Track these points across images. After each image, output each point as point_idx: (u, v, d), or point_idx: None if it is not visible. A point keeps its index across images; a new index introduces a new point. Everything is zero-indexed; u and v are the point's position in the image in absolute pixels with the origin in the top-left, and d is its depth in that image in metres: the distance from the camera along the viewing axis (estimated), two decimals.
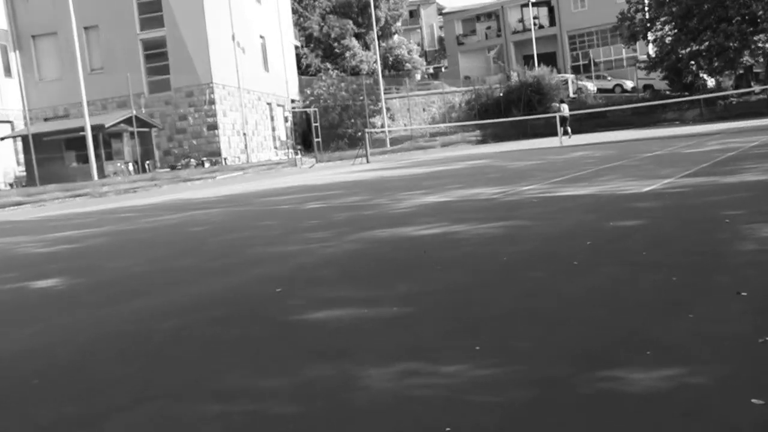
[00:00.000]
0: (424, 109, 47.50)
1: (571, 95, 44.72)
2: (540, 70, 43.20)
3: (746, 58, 37.03)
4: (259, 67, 39.89)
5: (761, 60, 38.08)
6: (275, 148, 41.32)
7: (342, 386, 2.39)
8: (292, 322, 3.34)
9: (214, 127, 33.84)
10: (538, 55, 49.84)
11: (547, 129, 36.74)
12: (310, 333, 3.10)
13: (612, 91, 47.00)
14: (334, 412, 2.18)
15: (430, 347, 2.73)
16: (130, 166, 30.11)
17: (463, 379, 2.35)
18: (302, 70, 47.75)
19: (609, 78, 48.87)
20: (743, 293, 3.04)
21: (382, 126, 42.49)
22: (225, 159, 33.87)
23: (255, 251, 5.90)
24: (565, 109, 31.04)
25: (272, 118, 41.43)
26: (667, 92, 41.17)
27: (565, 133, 29.99)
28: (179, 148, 34.29)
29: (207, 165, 32.15)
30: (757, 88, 35.14)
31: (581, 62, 54.07)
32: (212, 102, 33.57)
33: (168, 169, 31.19)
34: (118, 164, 29.92)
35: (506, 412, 2.07)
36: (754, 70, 39.86)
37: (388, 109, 44.22)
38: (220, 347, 3.01)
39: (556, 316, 3.01)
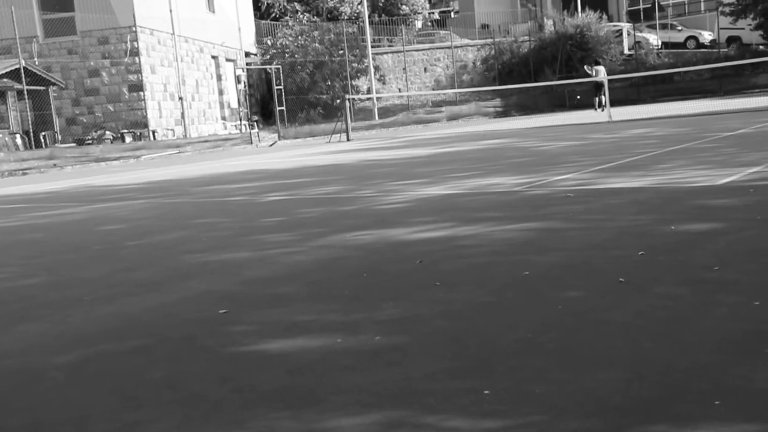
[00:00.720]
0: (425, 69, 47.59)
1: (627, 52, 44.93)
2: (584, 18, 43.40)
3: None
4: (201, 6, 39.83)
5: None
6: (223, 118, 41.29)
7: None
8: (240, 355, 3.36)
9: (138, 87, 33.77)
10: None
11: (592, 98, 36.82)
12: (263, 371, 3.13)
13: (683, 45, 47.17)
14: None
15: (423, 391, 2.77)
16: (18, 139, 29.98)
17: None
18: (261, 12, 47.70)
19: (679, 28, 49.03)
20: None
21: (369, 91, 42.53)
22: (153, 132, 33.83)
23: (192, 259, 5.93)
24: (601, 74, 31.45)
25: (219, 78, 41.41)
26: (761, 47, 41.33)
27: (600, 104, 30.53)
28: (89, 116, 34.21)
29: (128, 140, 32.11)
30: None
31: (641, 6, 54.22)
32: (135, 53, 33.49)
33: (74, 145, 31.12)
34: (0, 135, 29.76)
35: None
36: None
37: (377, 68, 44.30)
38: (140, 390, 3.03)
39: (592, 351, 3.05)
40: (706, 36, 47.13)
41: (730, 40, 44.29)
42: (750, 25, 40.94)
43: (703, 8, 51.60)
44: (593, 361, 2.94)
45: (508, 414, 2.51)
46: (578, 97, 34.84)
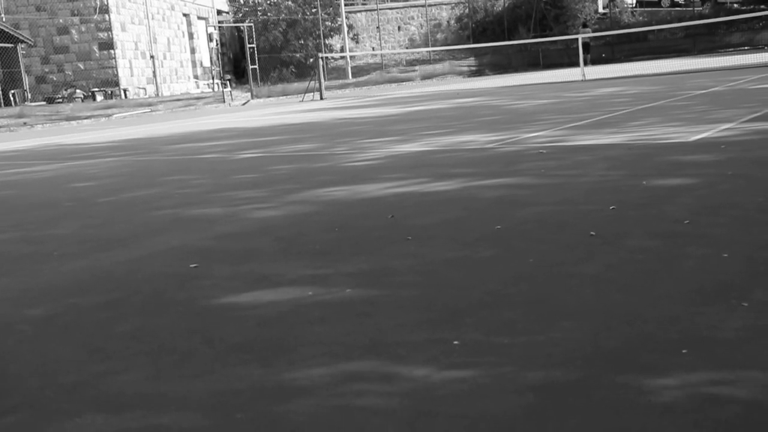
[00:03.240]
0: (399, 28, 47.29)
1: (601, 11, 44.90)
2: None
3: None
4: None
5: None
6: (195, 77, 40.90)
7: (272, 393, 2.41)
8: (210, 308, 3.35)
9: (108, 45, 33.32)
10: None
11: (565, 57, 36.94)
12: (233, 323, 3.12)
13: (658, 4, 47.17)
14: (259, 428, 2.20)
15: (392, 342, 2.77)
16: None
17: (433, 384, 2.39)
18: None
19: None
20: None
21: (342, 50, 42.22)
22: (125, 91, 33.45)
23: (162, 215, 5.88)
24: (587, 34, 33.21)
25: (191, 36, 40.92)
26: (735, 6, 41.42)
27: (586, 61, 32.15)
28: (59, 74, 33.74)
29: (99, 98, 31.75)
30: None
31: None
32: (105, 10, 32.98)
33: (43, 103, 30.75)
34: None
35: (490, 427, 2.11)
36: None
37: (350, 27, 43.94)
38: (109, 342, 3.02)
39: (561, 303, 3.06)
40: None
41: None
42: None
43: None
44: (562, 312, 2.95)
45: (477, 364, 2.51)
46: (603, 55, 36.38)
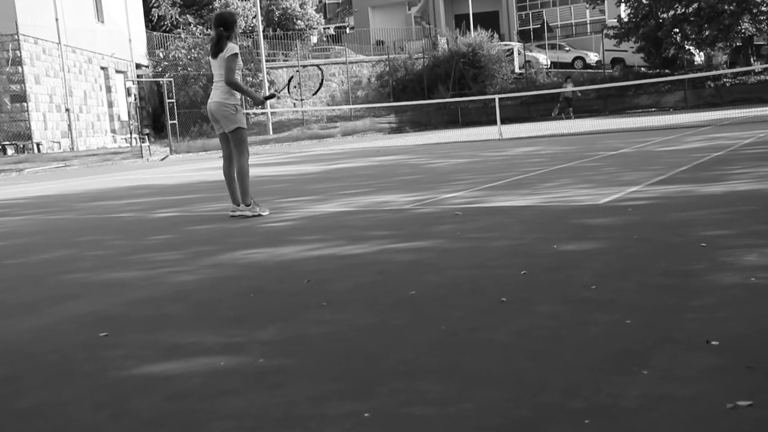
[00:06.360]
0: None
1: (517, 71, 46.12)
2: (477, 36, 44.34)
3: (746, 26, 38.95)
4: (90, 16, 38.95)
5: (766, 28, 39.89)
6: (113, 131, 40.40)
7: None
8: (120, 380, 3.29)
9: (21, 98, 32.71)
10: (474, 15, 51.11)
11: (483, 115, 37.82)
12: (143, 396, 3.07)
13: (571, 65, 48.80)
14: None
15: (305, 415, 2.77)
16: None
17: None
18: (153, 24, 46.96)
19: (567, 48, 50.74)
20: (714, 342, 3.23)
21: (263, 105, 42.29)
22: (38, 145, 32.80)
23: (73, 279, 5.77)
24: (569, 86, 35.40)
25: (109, 90, 40.51)
26: (642, 69, 43.15)
27: (568, 116, 34.56)
28: None
29: (10, 152, 31.06)
30: (758, 66, 37.05)
31: (531, 26, 55.83)
32: (18, 62, 32.43)
33: None
34: None
35: None
36: (755, 43, 41.99)
37: (271, 83, 44.12)
38: (9, 421, 2.93)
39: (472, 371, 3.11)
40: (593, 57, 48.96)
41: (615, 61, 46.13)
42: (632, 47, 42.76)
43: (589, 30, 53.70)
44: (473, 382, 2.99)
45: None
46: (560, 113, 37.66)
